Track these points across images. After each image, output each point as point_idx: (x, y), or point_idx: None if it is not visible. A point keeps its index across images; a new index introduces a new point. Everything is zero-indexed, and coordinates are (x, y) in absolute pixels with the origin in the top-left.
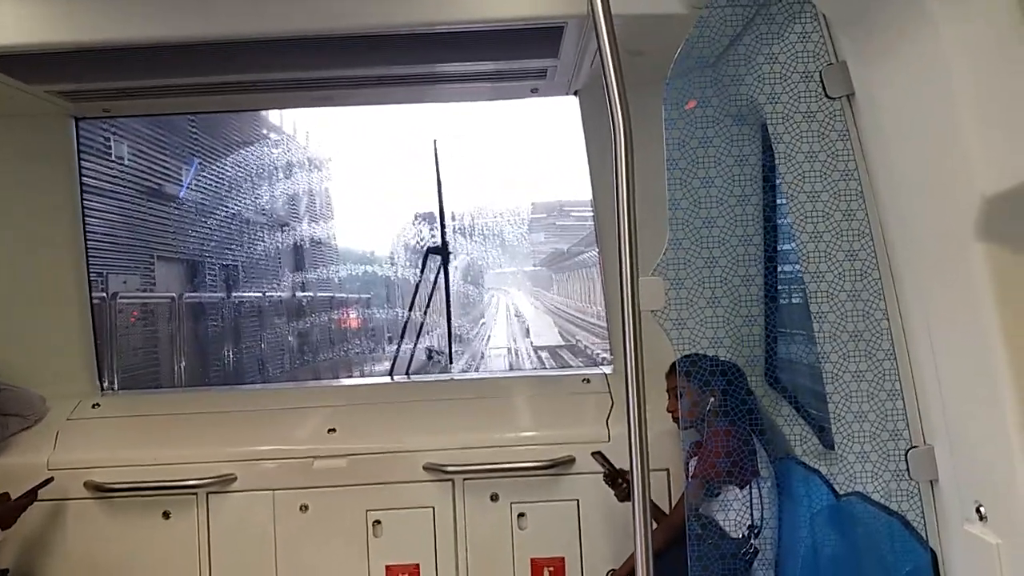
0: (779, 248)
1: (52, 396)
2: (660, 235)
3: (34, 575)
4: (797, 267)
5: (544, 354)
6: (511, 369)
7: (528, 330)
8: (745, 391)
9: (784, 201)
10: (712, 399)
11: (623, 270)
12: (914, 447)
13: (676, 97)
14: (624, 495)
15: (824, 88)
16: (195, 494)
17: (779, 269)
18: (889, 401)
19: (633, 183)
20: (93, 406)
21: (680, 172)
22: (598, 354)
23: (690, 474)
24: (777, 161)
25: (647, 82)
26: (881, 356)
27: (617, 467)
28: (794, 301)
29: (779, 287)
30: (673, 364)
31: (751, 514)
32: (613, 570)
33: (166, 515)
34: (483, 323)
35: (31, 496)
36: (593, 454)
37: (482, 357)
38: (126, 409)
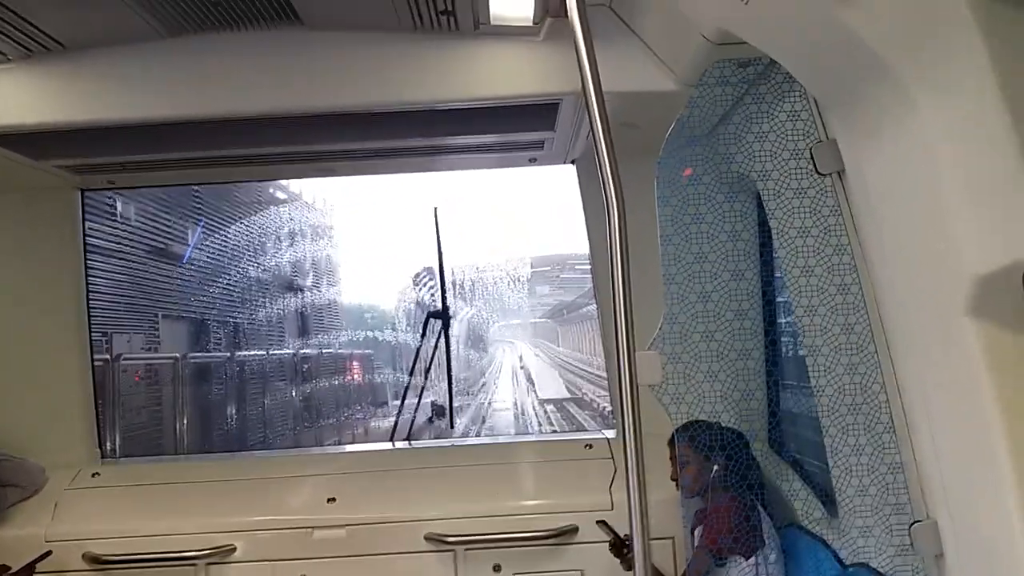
0: (777, 321)
1: (51, 465)
2: (658, 305)
3: None
4: (796, 338)
5: (550, 407)
6: (516, 425)
7: (533, 383)
8: (748, 459)
9: (780, 275)
10: (716, 467)
11: (619, 343)
12: (917, 521)
13: (668, 174)
14: (630, 565)
15: (815, 165)
16: (194, 565)
17: (778, 340)
18: (890, 474)
19: (627, 259)
20: (93, 475)
21: (674, 248)
22: (603, 407)
23: (695, 544)
24: (772, 236)
25: (641, 152)
26: (880, 429)
27: (623, 535)
28: (796, 370)
29: (781, 357)
30: (673, 432)
31: None
32: None
33: None
34: (487, 381)
35: (29, 570)
36: (598, 523)
37: (484, 419)
38: (126, 478)
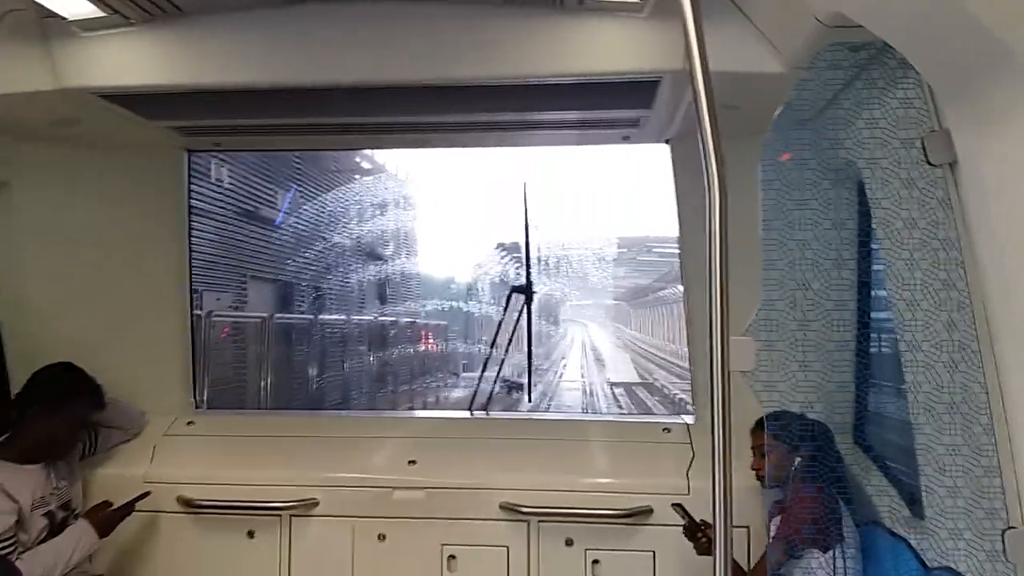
0: (873, 314)
1: (150, 411)
2: (746, 291)
3: None
4: (891, 334)
5: (619, 390)
6: (584, 404)
7: (603, 364)
8: (834, 454)
9: (881, 267)
10: (798, 459)
11: (713, 328)
12: (1012, 528)
13: (773, 157)
14: (703, 550)
15: (926, 155)
16: (279, 516)
17: (873, 335)
18: (986, 478)
19: (726, 241)
20: (188, 423)
21: (776, 233)
22: (675, 394)
23: (773, 534)
24: (875, 226)
25: (740, 135)
26: (978, 431)
27: (698, 520)
28: (887, 367)
29: (872, 352)
30: (759, 421)
31: None
32: None
33: (251, 534)
34: (556, 357)
35: (129, 508)
36: (673, 506)
37: (553, 395)
38: (218, 428)
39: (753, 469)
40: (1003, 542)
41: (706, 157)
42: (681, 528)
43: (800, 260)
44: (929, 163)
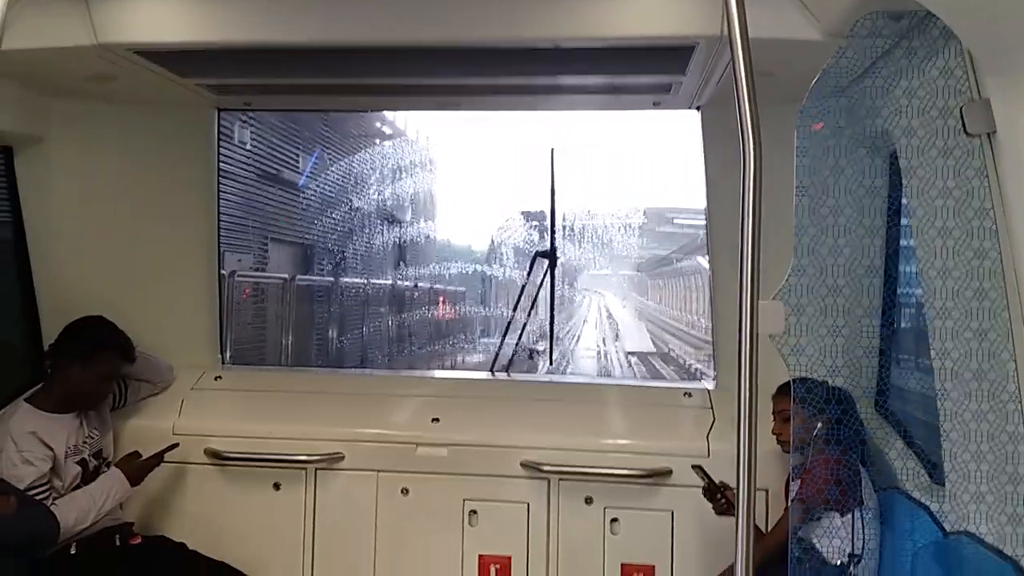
0: (901, 283)
1: (178, 366)
2: (775, 257)
3: (154, 530)
4: (919, 304)
5: (634, 359)
6: (600, 374)
7: (618, 334)
8: (856, 420)
9: (912, 236)
10: (821, 425)
11: (743, 292)
12: None
13: (810, 124)
14: (722, 510)
15: (964, 125)
16: (304, 469)
17: (901, 304)
18: (1011, 444)
19: (760, 206)
20: (215, 378)
21: (809, 199)
22: (691, 364)
23: (792, 497)
24: (907, 195)
25: (775, 102)
26: (1005, 398)
27: (717, 482)
28: (913, 337)
29: (899, 321)
30: (781, 386)
31: (852, 542)
32: None
33: (276, 486)
34: (575, 323)
35: (159, 458)
36: (693, 467)
37: (569, 361)
38: (245, 383)
39: (774, 434)
40: None
41: (742, 122)
42: (700, 489)
43: (832, 226)
44: (967, 133)
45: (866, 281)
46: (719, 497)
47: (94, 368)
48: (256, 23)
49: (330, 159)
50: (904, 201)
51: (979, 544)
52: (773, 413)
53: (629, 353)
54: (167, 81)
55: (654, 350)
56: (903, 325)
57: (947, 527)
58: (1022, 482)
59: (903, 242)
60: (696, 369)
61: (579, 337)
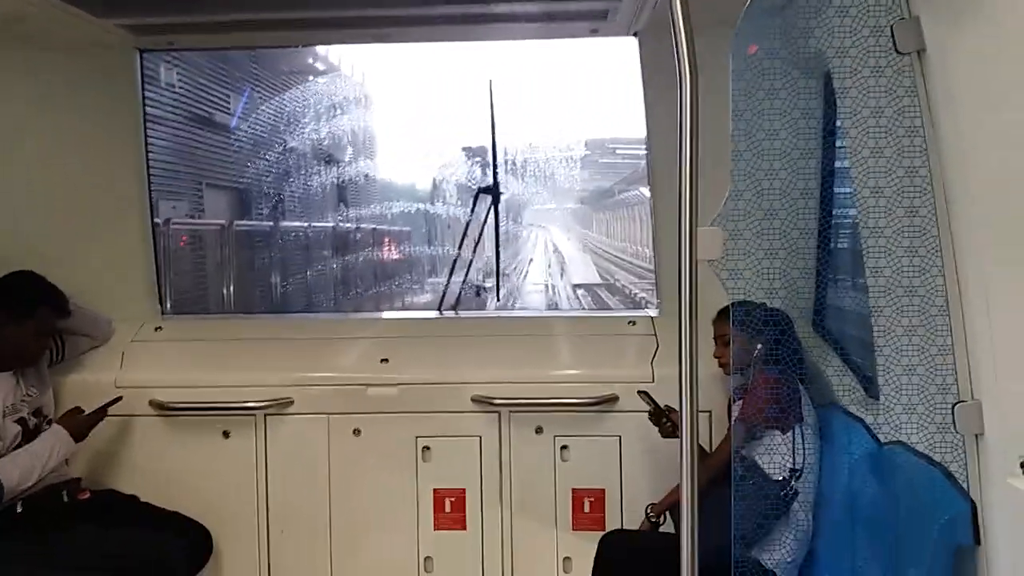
0: (836, 204)
1: (117, 318)
2: (713, 184)
3: (104, 484)
4: (852, 220)
5: (581, 291)
6: (549, 307)
7: (564, 268)
8: (794, 340)
9: (845, 156)
10: (760, 347)
11: (683, 218)
12: (961, 401)
13: (744, 48)
14: (668, 432)
15: (895, 43)
16: (253, 415)
17: (835, 225)
18: (940, 356)
19: (697, 131)
20: (156, 329)
21: (745, 123)
22: (636, 294)
23: (735, 416)
24: (840, 116)
25: (711, 25)
26: (934, 312)
27: (662, 406)
28: (848, 258)
29: (833, 242)
30: (721, 311)
31: (792, 457)
32: (652, 504)
33: (226, 434)
34: (522, 259)
35: (102, 413)
36: (639, 392)
37: (516, 299)
38: (186, 333)
39: (716, 357)
40: (952, 415)
41: (678, 48)
42: (646, 414)
43: (769, 150)
44: (897, 51)
45: (802, 203)
46: (664, 421)
47: (28, 326)
48: None
49: (262, 98)
50: (838, 123)
51: (911, 452)
52: (714, 338)
53: (576, 286)
54: (83, 21)
55: (600, 282)
56: (839, 245)
57: (881, 438)
58: (949, 392)
59: (837, 163)
60: (641, 298)
61: (526, 273)
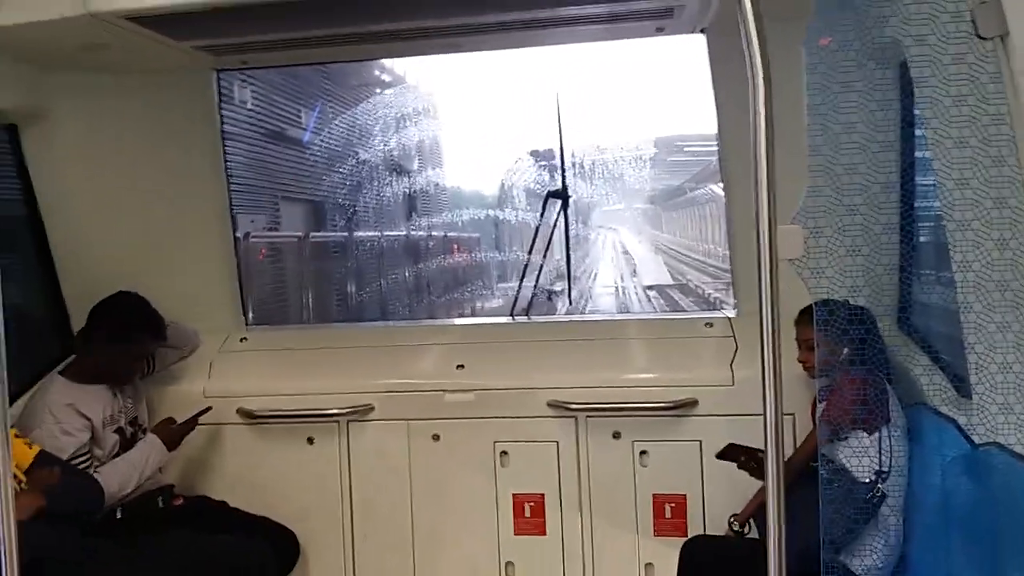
0: (918, 196)
1: (203, 330)
2: (790, 180)
3: (195, 490)
4: (936, 213)
5: (652, 293)
6: (620, 310)
7: (635, 269)
8: (879, 338)
9: (927, 147)
10: (846, 350)
11: (760, 218)
12: None
13: (817, 40)
14: (758, 475)
15: (976, 28)
16: (337, 422)
17: (919, 218)
18: None
19: (772, 127)
20: (241, 339)
21: (821, 118)
22: (710, 294)
23: (819, 417)
24: (920, 106)
25: (781, 19)
26: None
27: (747, 447)
28: (932, 248)
29: (917, 236)
30: (803, 312)
31: (880, 459)
32: (735, 514)
33: (310, 440)
34: (591, 262)
35: (193, 422)
36: (730, 445)
37: (587, 300)
38: (270, 343)
39: (800, 361)
40: None
41: (748, 44)
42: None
43: (846, 144)
44: (979, 36)
45: (883, 197)
46: (751, 463)
47: (126, 348)
48: None
49: (332, 112)
50: (917, 112)
51: (1008, 454)
52: (797, 340)
53: (647, 287)
54: (162, 46)
55: (672, 282)
56: (922, 239)
57: (975, 439)
58: None
59: (918, 154)
60: (716, 298)
61: (596, 275)
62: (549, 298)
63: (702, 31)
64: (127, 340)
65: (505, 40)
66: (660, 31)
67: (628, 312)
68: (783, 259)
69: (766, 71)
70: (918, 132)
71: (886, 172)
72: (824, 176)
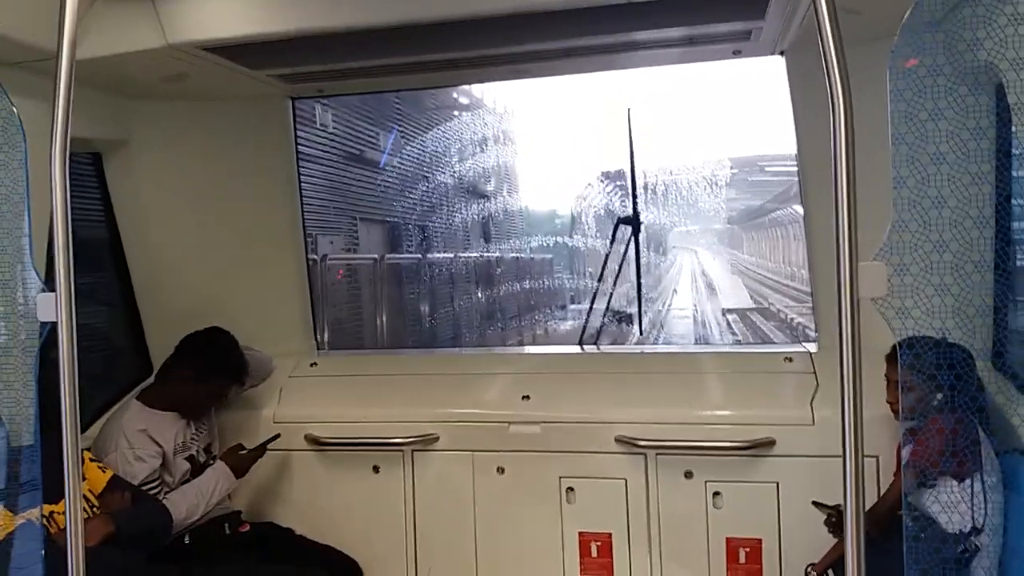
0: (1016, 231)
1: (275, 354)
2: (875, 212)
3: (263, 517)
4: None
5: (732, 317)
6: (696, 333)
7: (715, 290)
8: (975, 381)
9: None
10: (939, 395)
11: (841, 253)
12: None
13: (903, 67)
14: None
15: None
16: (402, 451)
17: (1017, 254)
18: None
19: (853, 156)
20: (311, 365)
21: (907, 148)
22: (792, 319)
23: (905, 462)
24: (1017, 134)
25: (864, 41)
26: None
27: (831, 505)
28: None
29: (1015, 273)
30: (893, 349)
31: (972, 510)
32: (812, 564)
33: (375, 469)
34: (666, 287)
35: (262, 450)
36: (814, 503)
37: (663, 324)
38: (339, 369)
39: (888, 402)
40: None
41: (828, 69)
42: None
43: (935, 176)
44: None
45: (975, 233)
46: (834, 519)
47: (206, 387)
48: (322, 9)
49: (411, 135)
50: (1014, 142)
51: None
52: (887, 378)
53: (726, 310)
54: (239, 75)
55: (752, 306)
56: (1021, 279)
57: None
58: None
59: (1016, 186)
60: (798, 323)
61: (671, 298)
62: (619, 323)
63: (781, 53)
64: (209, 380)
65: (577, 65)
66: (737, 54)
67: (704, 341)
68: (864, 297)
69: (847, 100)
70: (1015, 163)
71: (979, 206)
72: (910, 210)
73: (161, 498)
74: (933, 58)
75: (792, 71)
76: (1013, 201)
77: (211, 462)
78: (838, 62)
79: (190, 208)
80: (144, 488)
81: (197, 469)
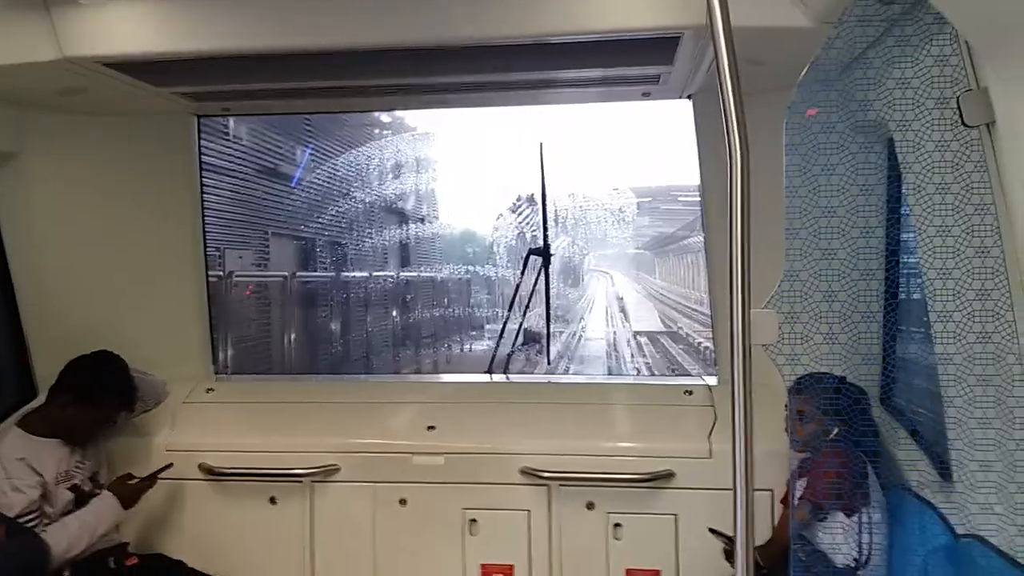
0: (902, 283)
1: (169, 378)
2: (772, 257)
3: (151, 548)
4: (923, 299)
5: (643, 339)
6: (608, 355)
7: (626, 314)
8: (868, 419)
9: (911, 234)
10: (836, 430)
11: (734, 300)
12: None
13: (799, 121)
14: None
15: (961, 116)
16: (300, 482)
17: (903, 305)
18: (1019, 451)
19: (747, 204)
20: (207, 390)
21: (800, 200)
22: (700, 343)
23: (797, 496)
24: (905, 191)
25: (767, 90)
26: (1012, 403)
27: (729, 535)
28: (918, 337)
29: (902, 322)
30: (798, 382)
31: (859, 542)
32: None
33: (273, 500)
34: (579, 309)
35: (152, 480)
36: (710, 530)
37: (575, 347)
38: (237, 395)
39: (786, 431)
40: None
41: (727, 118)
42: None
43: (826, 228)
44: (964, 124)
45: (863, 285)
46: (729, 549)
47: (91, 411)
48: (227, 30)
49: (327, 151)
50: (904, 193)
51: (991, 550)
52: (786, 407)
53: (637, 333)
54: (141, 91)
55: (663, 329)
56: (907, 326)
57: (957, 529)
58: None
59: (904, 235)
60: (705, 347)
61: (586, 320)
62: (532, 343)
63: (688, 96)
64: (94, 404)
65: (493, 99)
66: (646, 96)
67: (616, 358)
68: (756, 344)
69: (744, 151)
70: (903, 219)
71: (867, 259)
72: (801, 260)
73: (40, 531)
74: (827, 115)
75: (698, 115)
76: (900, 255)
77: (97, 492)
78: (736, 115)
79: (84, 224)
80: (22, 520)
81: (82, 499)
